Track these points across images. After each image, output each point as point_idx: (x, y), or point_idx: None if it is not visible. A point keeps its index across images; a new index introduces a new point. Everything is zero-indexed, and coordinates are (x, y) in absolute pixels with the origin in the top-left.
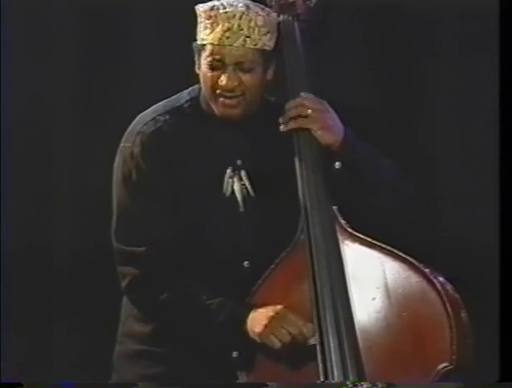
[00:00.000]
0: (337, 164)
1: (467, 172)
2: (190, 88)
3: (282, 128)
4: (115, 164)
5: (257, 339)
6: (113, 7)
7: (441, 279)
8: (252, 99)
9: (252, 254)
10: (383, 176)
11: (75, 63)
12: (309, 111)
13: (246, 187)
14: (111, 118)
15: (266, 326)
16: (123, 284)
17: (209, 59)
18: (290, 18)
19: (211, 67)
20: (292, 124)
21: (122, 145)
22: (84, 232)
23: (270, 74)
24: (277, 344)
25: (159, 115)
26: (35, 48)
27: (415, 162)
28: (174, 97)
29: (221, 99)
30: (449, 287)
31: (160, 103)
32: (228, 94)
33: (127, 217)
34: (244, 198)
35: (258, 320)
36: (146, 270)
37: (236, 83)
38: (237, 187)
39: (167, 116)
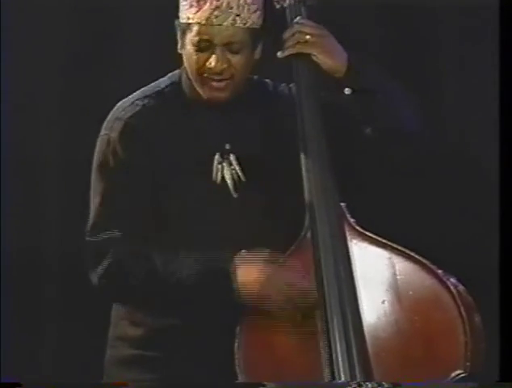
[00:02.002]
0: (347, 90)
1: (466, 173)
2: (170, 73)
3: (279, 54)
4: (94, 154)
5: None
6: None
7: (453, 280)
8: (240, 81)
9: (248, 243)
10: (394, 98)
11: (61, 57)
12: (308, 36)
13: (237, 173)
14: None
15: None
16: (99, 270)
17: (196, 39)
18: (296, 2)
19: (198, 48)
20: (290, 50)
21: (99, 134)
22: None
23: (257, 53)
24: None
25: (137, 99)
26: (21, 40)
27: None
28: (153, 83)
29: (209, 82)
30: (462, 289)
31: (141, 90)
32: (216, 77)
33: (103, 206)
34: (235, 184)
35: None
36: (124, 257)
37: (225, 65)
38: (227, 173)
39: (146, 101)
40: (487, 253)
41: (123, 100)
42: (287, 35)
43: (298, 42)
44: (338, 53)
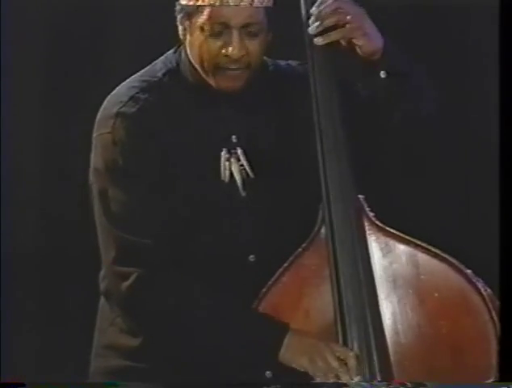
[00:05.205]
0: (383, 73)
1: (466, 176)
2: (164, 56)
3: (319, 40)
4: (92, 155)
5: (293, 363)
6: None
7: (481, 282)
8: (255, 69)
9: (257, 246)
10: (422, 80)
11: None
12: (349, 17)
13: (245, 169)
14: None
15: (310, 359)
16: (125, 284)
17: (209, 23)
18: None
19: (211, 33)
20: (334, 36)
21: (97, 133)
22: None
23: (270, 36)
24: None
25: (137, 93)
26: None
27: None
28: (146, 70)
29: (222, 72)
30: (490, 292)
31: (132, 79)
32: (232, 66)
33: (123, 208)
34: (244, 181)
35: (298, 352)
36: (154, 268)
37: (244, 52)
38: (235, 169)
39: (147, 94)
40: (486, 252)
41: (115, 93)
42: (324, 11)
43: (338, 25)
44: (377, 35)
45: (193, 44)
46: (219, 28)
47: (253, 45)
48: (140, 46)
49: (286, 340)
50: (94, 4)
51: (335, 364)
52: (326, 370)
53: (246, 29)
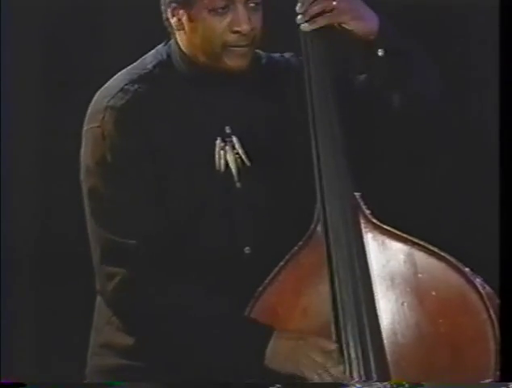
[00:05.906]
0: (380, 51)
1: (465, 175)
2: (154, 50)
3: (305, 26)
4: (82, 150)
5: (281, 370)
6: None
7: (479, 280)
8: (256, 46)
9: (253, 238)
10: (423, 58)
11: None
12: (335, 2)
13: (241, 157)
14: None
15: (292, 357)
16: (110, 286)
17: (212, 2)
18: None
19: (217, 13)
20: (320, 21)
21: (86, 127)
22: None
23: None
24: (311, 375)
25: (127, 84)
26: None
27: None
28: (136, 63)
29: (230, 50)
30: (489, 290)
31: (122, 73)
32: (241, 43)
33: (110, 206)
34: (239, 170)
35: (281, 352)
36: (140, 268)
37: (252, 26)
38: (230, 158)
39: (137, 86)
40: (486, 252)
41: (105, 87)
42: (308, 1)
43: (324, 11)
44: (369, 15)
45: (195, 29)
46: (223, 5)
47: (257, 19)
48: (141, 45)
49: (270, 347)
50: (93, 4)
51: (320, 359)
52: (314, 368)
53: (249, 2)
